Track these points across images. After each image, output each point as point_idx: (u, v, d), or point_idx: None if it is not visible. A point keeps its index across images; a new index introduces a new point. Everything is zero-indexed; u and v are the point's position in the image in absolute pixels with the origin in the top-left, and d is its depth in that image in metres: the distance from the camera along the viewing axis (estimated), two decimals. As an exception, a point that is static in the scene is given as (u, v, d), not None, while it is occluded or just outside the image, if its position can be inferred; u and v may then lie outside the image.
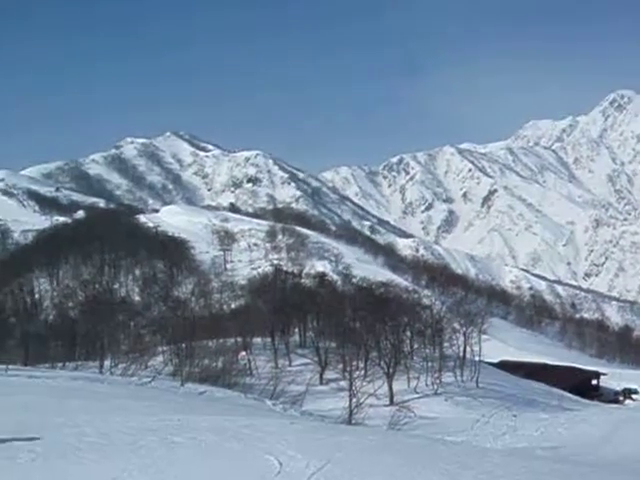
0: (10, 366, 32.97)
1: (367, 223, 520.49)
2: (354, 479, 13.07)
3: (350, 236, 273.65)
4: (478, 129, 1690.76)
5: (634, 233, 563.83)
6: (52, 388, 26.15)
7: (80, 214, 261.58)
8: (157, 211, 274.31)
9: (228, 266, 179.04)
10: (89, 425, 16.16)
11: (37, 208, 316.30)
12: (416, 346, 62.30)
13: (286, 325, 72.96)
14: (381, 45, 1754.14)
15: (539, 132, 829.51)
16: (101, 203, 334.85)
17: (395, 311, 65.81)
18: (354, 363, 53.95)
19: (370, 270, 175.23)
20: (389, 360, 53.55)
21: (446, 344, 63.48)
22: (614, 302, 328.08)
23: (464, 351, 62.31)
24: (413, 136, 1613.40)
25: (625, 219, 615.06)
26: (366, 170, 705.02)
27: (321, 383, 56.28)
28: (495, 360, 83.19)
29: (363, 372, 53.05)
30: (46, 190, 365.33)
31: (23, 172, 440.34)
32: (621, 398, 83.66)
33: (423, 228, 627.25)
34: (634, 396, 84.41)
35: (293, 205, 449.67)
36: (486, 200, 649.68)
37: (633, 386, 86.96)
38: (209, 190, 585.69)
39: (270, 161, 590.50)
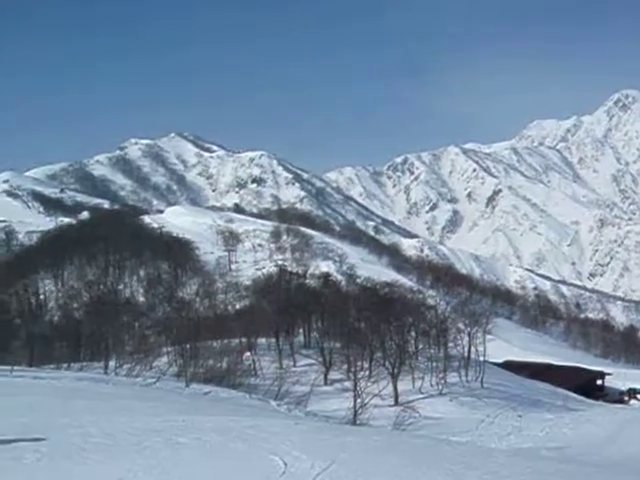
0: (15, 367, 33.03)
1: (371, 223, 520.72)
2: (359, 479, 13.08)
3: (354, 236, 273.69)
4: (482, 129, 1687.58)
5: (639, 233, 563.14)
6: (57, 389, 26.19)
7: (85, 215, 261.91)
8: (162, 212, 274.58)
9: (233, 267, 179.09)
10: (94, 426, 16.18)
11: (42, 209, 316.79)
12: (421, 346, 62.21)
13: (290, 325, 72.94)
14: (386, 45, 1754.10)
15: (543, 132, 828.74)
16: (105, 204, 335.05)
17: (400, 311, 65.76)
18: (359, 363, 53.84)
19: (374, 270, 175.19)
20: (394, 360, 53.53)
21: (451, 344, 63.42)
22: (619, 302, 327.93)
23: (469, 351, 62.26)
24: (417, 136, 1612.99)
25: (630, 219, 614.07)
26: (370, 170, 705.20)
27: (326, 384, 56.24)
28: (500, 360, 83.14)
29: (368, 372, 53.00)
30: (51, 191, 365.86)
31: (28, 173, 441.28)
32: (626, 398, 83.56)
33: (428, 228, 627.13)
34: (639, 396, 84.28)
35: (297, 205, 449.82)
36: (490, 200, 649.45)
37: (638, 386, 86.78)
38: (213, 191, 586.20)
39: (274, 162, 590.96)
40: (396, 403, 48.93)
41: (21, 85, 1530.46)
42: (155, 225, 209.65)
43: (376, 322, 61.64)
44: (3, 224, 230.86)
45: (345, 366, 57.11)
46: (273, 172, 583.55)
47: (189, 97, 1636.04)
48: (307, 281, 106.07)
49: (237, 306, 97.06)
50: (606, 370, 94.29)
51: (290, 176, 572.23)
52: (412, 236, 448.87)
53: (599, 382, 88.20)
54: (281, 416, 28.89)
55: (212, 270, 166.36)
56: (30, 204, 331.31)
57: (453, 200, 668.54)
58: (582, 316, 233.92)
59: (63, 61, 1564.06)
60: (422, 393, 53.23)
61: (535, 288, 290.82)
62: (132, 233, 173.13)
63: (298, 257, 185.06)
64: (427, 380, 55.38)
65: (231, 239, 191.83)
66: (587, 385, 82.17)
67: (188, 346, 52.44)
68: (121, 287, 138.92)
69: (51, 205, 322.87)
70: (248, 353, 61.21)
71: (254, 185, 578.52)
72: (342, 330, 63.58)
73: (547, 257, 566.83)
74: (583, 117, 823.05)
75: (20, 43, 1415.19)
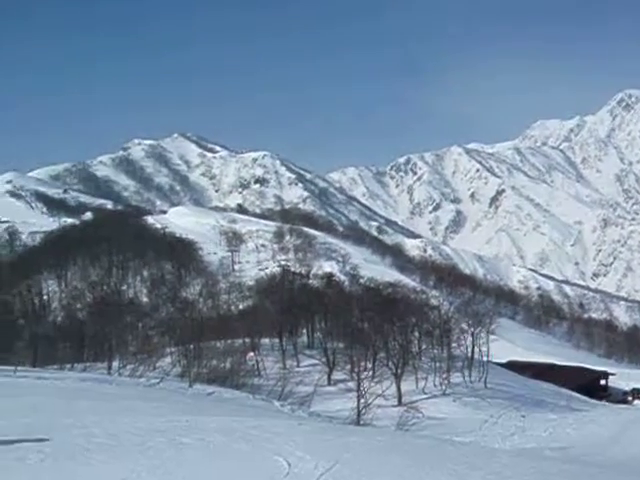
0: (19, 367, 33.03)
1: (374, 223, 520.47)
2: (362, 479, 13.08)
3: (357, 237, 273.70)
4: (485, 129, 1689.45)
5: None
6: (61, 389, 26.21)
7: (88, 215, 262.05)
8: (165, 212, 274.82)
9: (236, 267, 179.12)
10: (98, 426, 16.19)
11: (45, 210, 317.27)
12: (424, 346, 62.27)
13: (294, 326, 72.97)
14: (388, 45, 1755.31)
15: (547, 132, 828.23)
16: (109, 204, 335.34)
17: (403, 311, 65.78)
18: (362, 364, 53.90)
19: (378, 270, 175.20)
20: (397, 361, 53.55)
21: (454, 344, 63.45)
22: (622, 302, 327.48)
23: (472, 351, 62.29)
24: (420, 136, 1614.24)
25: (633, 219, 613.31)
26: (373, 170, 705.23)
27: (329, 384, 56.26)
28: (503, 360, 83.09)
29: (371, 373, 53.01)
30: (54, 192, 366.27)
31: (31, 174, 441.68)
32: (629, 398, 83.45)
33: (431, 228, 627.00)
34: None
35: (300, 206, 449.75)
36: (494, 200, 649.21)
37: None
38: (217, 191, 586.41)
39: (277, 162, 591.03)
40: (399, 403, 48.95)
41: (24, 86, 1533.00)
42: (158, 225, 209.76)
43: (379, 322, 61.67)
44: (6, 224, 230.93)
45: (348, 366, 57.11)
46: (276, 172, 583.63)
47: (192, 97, 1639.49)
48: (310, 281, 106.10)
49: (240, 306, 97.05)
50: (609, 370, 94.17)
51: (293, 176, 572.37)
52: (415, 236, 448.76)
53: (602, 382, 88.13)
54: (285, 416, 28.90)
55: (215, 270, 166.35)
56: (33, 204, 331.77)
57: (456, 200, 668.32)
58: (585, 316, 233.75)
59: (66, 61, 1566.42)
60: (425, 393, 53.25)
61: (538, 288, 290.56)
62: (135, 234, 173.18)
63: (301, 257, 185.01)
64: (430, 380, 55.39)
65: (234, 239, 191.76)
66: (590, 385, 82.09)
67: (192, 346, 52.47)
68: (124, 287, 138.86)
69: (54, 206, 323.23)
70: (251, 353, 61.24)
71: (257, 185, 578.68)
72: (345, 330, 63.62)
73: (550, 257, 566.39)
74: (586, 117, 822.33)
75: (21, 43, 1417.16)
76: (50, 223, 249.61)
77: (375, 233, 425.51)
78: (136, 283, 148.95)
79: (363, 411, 36.62)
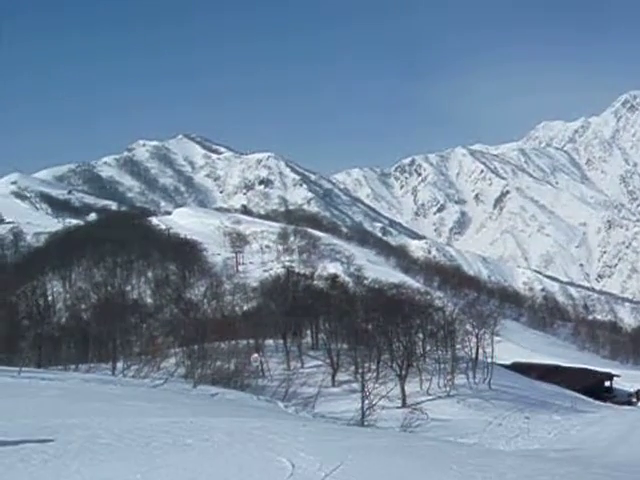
0: (23, 368, 33.05)
1: (379, 225, 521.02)
2: (367, 481, 13.08)
3: (362, 238, 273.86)
4: (490, 130, 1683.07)
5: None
6: (65, 390, 26.21)
7: (92, 216, 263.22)
8: (169, 213, 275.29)
9: (240, 268, 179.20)
10: (102, 427, 16.20)
11: (50, 211, 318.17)
12: (428, 348, 62.18)
13: (298, 327, 73.01)
14: (393, 48, 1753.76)
15: (551, 133, 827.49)
16: (113, 206, 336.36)
17: (407, 313, 65.73)
18: (366, 365, 53.91)
19: (382, 272, 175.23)
20: (401, 362, 53.57)
21: (458, 346, 63.42)
22: (627, 303, 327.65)
23: (476, 353, 62.26)
24: (425, 138, 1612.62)
25: (638, 220, 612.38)
26: (378, 172, 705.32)
27: (333, 385, 56.30)
28: (507, 362, 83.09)
29: (375, 374, 53.06)
30: (58, 193, 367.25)
31: (35, 175, 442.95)
32: (634, 400, 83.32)
33: (435, 230, 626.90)
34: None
35: (305, 207, 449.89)
36: (498, 201, 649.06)
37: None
38: (221, 192, 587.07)
39: (282, 163, 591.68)
40: (404, 405, 48.94)
41: (29, 86, 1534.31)
42: (163, 226, 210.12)
43: (383, 323, 61.67)
44: (11, 225, 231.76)
45: (353, 368, 57.22)
46: (280, 173, 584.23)
47: (197, 98, 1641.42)
48: (314, 282, 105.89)
49: (244, 307, 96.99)
50: (614, 372, 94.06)
51: (298, 177, 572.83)
52: (420, 237, 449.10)
53: (607, 384, 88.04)
54: (289, 417, 28.88)
55: (219, 271, 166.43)
56: (38, 205, 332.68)
57: (460, 201, 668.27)
58: (590, 317, 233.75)
59: (70, 62, 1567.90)
60: (430, 395, 53.24)
61: (543, 289, 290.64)
62: (140, 234, 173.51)
63: (305, 258, 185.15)
64: (435, 382, 55.37)
65: (238, 240, 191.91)
66: (595, 387, 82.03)
67: (196, 347, 52.48)
68: (129, 288, 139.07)
69: (59, 206, 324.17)
70: (256, 354, 61.25)
71: (261, 186, 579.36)
72: (349, 331, 63.66)
73: (555, 258, 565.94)
74: (591, 118, 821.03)
75: (24, 44, 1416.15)
76: (55, 224, 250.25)
77: (379, 234, 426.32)
78: (140, 284, 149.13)
79: (367, 412, 36.60)
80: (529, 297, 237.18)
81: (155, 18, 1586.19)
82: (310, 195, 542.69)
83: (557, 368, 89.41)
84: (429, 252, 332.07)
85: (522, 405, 53.73)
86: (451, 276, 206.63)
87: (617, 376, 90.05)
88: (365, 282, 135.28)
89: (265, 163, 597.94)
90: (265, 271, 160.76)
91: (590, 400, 69.74)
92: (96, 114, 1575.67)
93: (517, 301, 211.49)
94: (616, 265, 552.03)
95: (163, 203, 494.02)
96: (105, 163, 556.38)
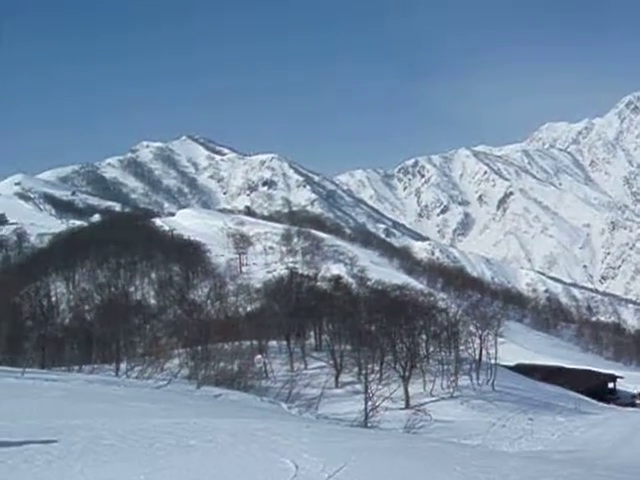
0: (27, 369, 33.06)
1: (382, 226, 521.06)
2: (370, 482, 13.08)
3: (365, 239, 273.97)
4: (493, 132, 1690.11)
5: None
6: (68, 391, 26.22)
7: (96, 218, 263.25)
8: (173, 214, 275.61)
9: (243, 269, 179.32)
10: (105, 427, 16.19)
11: (53, 212, 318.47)
12: (432, 349, 62.21)
13: (301, 328, 73.04)
14: (396, 49, 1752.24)
15: (555, 134, 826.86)
16: (117, 207, 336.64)
17: (410, 314, 65.76)
18: (369, 366, 53.95)
19: (385, 273, 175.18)
20: (405, 363, 53.58)
21: (462, 347, 63.41)
22: (630, 305, 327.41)
23: (480, 354, 62.25)
24: (428, 139, 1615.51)
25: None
26: (381, 173, 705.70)
27: (337, 386, 56.32)
28: (511, 363, 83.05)
29: (379, 375, 53.04)
30: (62, 194, 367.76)
31: (39, 176, 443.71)
32: (638, 401, 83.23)
33: (439, 231, 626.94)
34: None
35: (308, 208, 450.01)
36: (502, 203, 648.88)
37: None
38: (225, 193, 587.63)
39: (285, 164, 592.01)
40: (407, 406, 48.94)
41: (31, 87, 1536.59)
42: (166, 228, 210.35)
43: (387, 325, 61.70)
44: (15, 226, 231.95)
45: (356, 369, 57.24)
46: (284, 175, 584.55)
47: (200, 100, 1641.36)
48: (318, 284, 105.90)
49: (248, 309, 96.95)
50: (618, 373, 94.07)
51: (301, 179, 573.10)
52: (423, 239, 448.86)
53: (611, 385, 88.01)
54: (292, 419, 28.87)
55: (223, 273, 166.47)
56: (42, 206, 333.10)
57: (464, 203, 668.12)
58: (594, 319, 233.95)
59: (73, 62, 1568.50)
60: (433, 396, 53.26)
61: (546, 291, 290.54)
62: (143, 236, 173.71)
63: (309, 260, 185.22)
64: (438, 383, 55.37)
65: (242, 242, 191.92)
66: (599, 388, 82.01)
67: (199, 348, 52.50)
68: (132, 289, 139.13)
69: (63, 207, 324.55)
70: (259, 356, 61.28)
71: (265, 188, 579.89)
72: (353, 333, 63.69)
73: (558, 260, 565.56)
74: (594, 119, 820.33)
75: (25, 43, 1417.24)
76: (58, 225, 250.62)
77: (383, 235, 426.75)
78: (144, 285, 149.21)
79: (371, 414, 36.57)
80: (532, 298, 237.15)
81: (157, 18, 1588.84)
82: (313, 196, 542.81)
83: (561, 369, 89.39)
84: (432, 253, 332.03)
85: (526, 406, 53.72)
86: (454, 277, 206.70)
87: (621, 377, 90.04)
88: (368, 283, 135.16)
89: (269, 164, 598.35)
90: (269, 272, 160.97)
91: (594, 402, 69.70)
92: (100, 115, 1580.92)
93: (520, 302, 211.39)
94: (620, 266, 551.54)
95: (167, 204, 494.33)
96: (109, 164, 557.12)
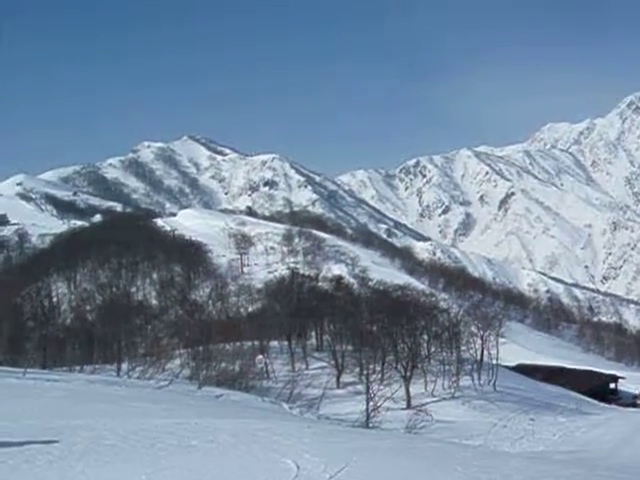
0: (28, 369, 33.07)
1: (384, 226, 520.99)
2: (371, 482, 13.08)
3: (366, 239, 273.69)
4: (495, 132, 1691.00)
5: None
6: (70, 391, 26.21)
7: (97, 218, 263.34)
8: (174, 215, 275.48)
9: (245, 269, 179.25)
10: (107, 428, 16.19)
11: (55, 212, 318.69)
12: (433, 349, 62.19)
13: (303, 328, 73.05)
14: (394, 47, 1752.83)
15: (556, 135, 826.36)
16: (118, 207, 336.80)
17: (412, 314, 65.73)
18: (371, 366, 54.00)
19: (387, 273, 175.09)
20: (406, 363, 53.58)
21: (463, 347, 63.43)
22: (632, 305, 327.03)
23: (481, 354, 62.23)
24: (430, 139, 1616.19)
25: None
26: (383, 173, 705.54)
27: (338, 386, 56.33)
28: (512, 364, 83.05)
29: (380, 375, 53.04)
30: (64, 194, 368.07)
31: (41, 176, 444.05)
32: (639, 402, 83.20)
33: (440, 231, 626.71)
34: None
35: (310, 208, 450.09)
36: (503, 203, 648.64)
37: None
38: (226, 194, 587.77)
39: (287, 164, 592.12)
40: (408, 406, 48.93)
41: (32, 87, 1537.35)
42: (168, 228, 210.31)
43: (388, 325, 61.70)
44: (16, 227, 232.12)
45: (357, 369, 57.26)
46: (285, 175, 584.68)
47: (201, 100, 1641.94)
48: (319, 284, 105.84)
49: (249, 309, 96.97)
50: (619, 374, 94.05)
51: (302, 179, 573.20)
52: (424, 239, 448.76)
53: (612, 385, 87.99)
54: (293, 419, 28.87)
55: (224, 273, 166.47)
56: (43, 207, 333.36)
57: (465, 203, 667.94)
58: (595, 319, 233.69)
59: (76, 63, 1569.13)
60: (434, 396, 53.28)
61: (548, 291, 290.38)
62: (145, 236, 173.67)
63: (310, 260, 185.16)
64: (439, 383, 55.39)
65: (243, 242, 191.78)
66: (600, 388, 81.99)
67: (201, 349, 52.49)
68: (134, 290, 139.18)
69: (64, 208, 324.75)
70: (260, 356, 61.28)
71: (266, 188, 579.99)
72: (354, 333, 63.70)
73: (560, 260, 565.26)
74: (596, 120, 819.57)
75: (26, 44, 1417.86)
76: (60, 225, 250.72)
77: (384, 236, 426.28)
78: (145, 285, 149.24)
79: (372, 414, 36.57)
80: (534, 299, 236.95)
81: (158, 19, 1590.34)
82: (315, 196, 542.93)
83: (562, 370, 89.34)
84: (434, 254, 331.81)
85: (527, 407, 53.72)
86: (456, 278, 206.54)
87: (622, 378, 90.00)
88: (370, 284, 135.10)
89: (270, 165, 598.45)
90: (270, 272, 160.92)
91: (595, 402, 69.68)
92: (101, 115, 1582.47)
93: (522, 303, 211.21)
94: (621, 267, 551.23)
95: (168, 205, 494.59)
96: (110, 165, 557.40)
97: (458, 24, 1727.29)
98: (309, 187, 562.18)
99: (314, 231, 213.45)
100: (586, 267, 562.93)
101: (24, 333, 57.31)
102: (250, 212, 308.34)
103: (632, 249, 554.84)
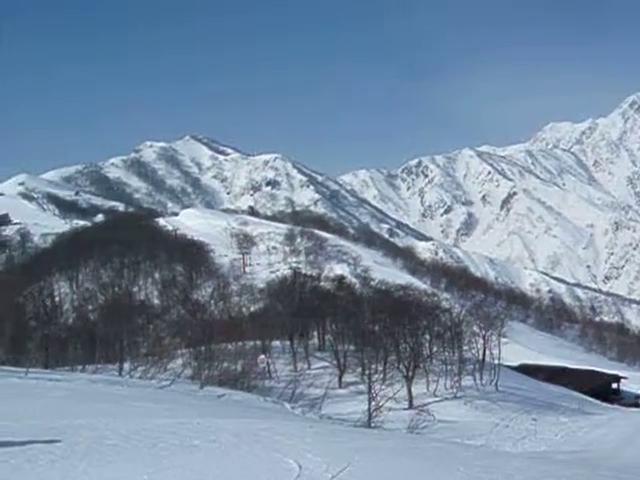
0: (30, 369, 33.09)
1: (386, 226, 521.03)
2: (373, 482, 13.08)
3: (369, 239, 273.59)
4: (497, 132, 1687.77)
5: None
6: (72, 391, 26.23)
7: (100, 218, 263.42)
8: (176, 214, 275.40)
9: (247, 269, 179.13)
10: (109, 428, 16.20)
11: (57, 212, 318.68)
12: (435, 349, 62.15)
13: (305, 328, 73.05)
14: (394, 47, 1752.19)
15: (558, 134, 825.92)
16: (120, 207, 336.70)
17: (414, 314, 65.68)
18: (373, 366, 53.90)
19: (389, 273, 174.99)
20: (408, 363, 53.54)
21: (465, 347, 63.37)
22: (634, 305, 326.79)
23: (483, 354, 62.18)
24: (432, 139, 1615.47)
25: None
26: (385, 173, 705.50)
27: (340, 386, 56.30)
28: (514, 363, 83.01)
29: (382, 375, 53.02)
30: (66, 194, 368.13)
31: (43, 176, 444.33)
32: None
33: (442, 231, 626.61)
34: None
35: (312, 208, 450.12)
36: (505, 203, 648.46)
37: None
38: (228, 193, 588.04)
39: (289, 164, 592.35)
40: (410, 406, 48.90)
41: (34, 87, 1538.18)
42: (170, 228, 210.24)
43: (390, 325, 61.67)
44: (18, 226, 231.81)
45: (359, 369, 57.25)
46: (287, 175, 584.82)
47: (204, 100, 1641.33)
48: (321, 284, 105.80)
49: (251, 309, 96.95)
50: (621, 373, 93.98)
51: (304, 179, 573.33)
52: (426, 239, 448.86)
53: (614, 385, 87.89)
54: (295, 419, 28.87)
55: (226, 273, 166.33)
56: (45, 206, 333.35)
57: (468, 203, 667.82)
58: (597, 319, 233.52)
59: (77, 63, 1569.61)
60: (436, 396, 53.23)
61: (550, 291, 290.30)
62: (147, 236, 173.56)
63: (312, 260, 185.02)
64: (441, 383, 55.34)
65: (245, 242, 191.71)
66: (602, 388, 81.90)
67: (203, 349, 52.48)
68: (136, 289, 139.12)
69: (66, 207, 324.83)
70: (262, 356, 61.26)
71: (268, 188, 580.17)
72: (356, 333, 63.68)
73: (562, 260, 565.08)
74: (598, 119, 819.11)
75: (26, 44, 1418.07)
76: (62, 225, 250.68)
77: (386, 236, 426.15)
78: (147, 285, 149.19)
79: (374, 414, 36.57)
80: (536, 299, 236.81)
81: (159, 19, 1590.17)
82: (317, 196, 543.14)
83: (564, 370, 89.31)
84: (436, 253, 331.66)
85: (529, 407, 53.67)
86: (458, 277, 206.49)
87: (624, 378, 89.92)
88: (372, 283, 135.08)
89: (272, 164, 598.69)
90: (272, 272, 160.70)
91: (597, 402, 69.64)
92: (103, 115, 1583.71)
93: (524, 303, 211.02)
94: (623, 267, 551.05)
95: (170, 204, 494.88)
96: (112, 164, 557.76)
97: (458, 24, 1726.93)
98: (311, 187, 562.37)
99: (316, 231, 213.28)
100: (588, 267, 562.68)
101: (26, 333, 57.36)
102: (252, 212, 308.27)
103: (634, 249, 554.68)
